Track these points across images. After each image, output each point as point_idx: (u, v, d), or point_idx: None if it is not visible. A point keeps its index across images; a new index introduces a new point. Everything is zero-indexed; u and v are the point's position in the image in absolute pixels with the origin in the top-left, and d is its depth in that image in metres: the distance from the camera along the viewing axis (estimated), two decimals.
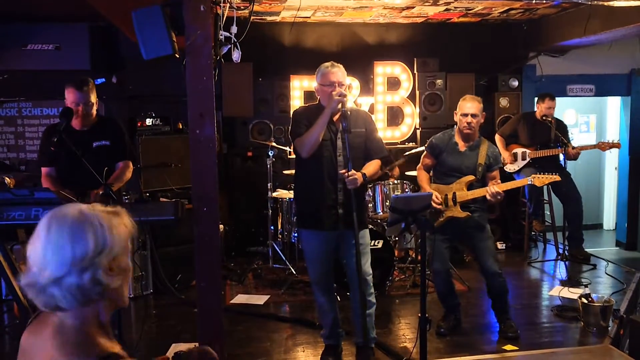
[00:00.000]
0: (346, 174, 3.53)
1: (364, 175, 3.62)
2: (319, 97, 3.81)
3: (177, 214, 3.48)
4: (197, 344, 3.83)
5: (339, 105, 3.56)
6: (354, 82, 6.70)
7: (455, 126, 4.40)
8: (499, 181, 4.27)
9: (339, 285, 4.73)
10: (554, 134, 6.31)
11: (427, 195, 3.32)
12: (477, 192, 4.20)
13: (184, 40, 3.36)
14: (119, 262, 1.52)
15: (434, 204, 4.14)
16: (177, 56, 3.42)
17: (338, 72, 3.68)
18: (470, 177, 4.23)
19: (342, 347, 4.05)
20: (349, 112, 3.60)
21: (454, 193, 4.24)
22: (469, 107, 4.23)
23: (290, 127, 3.81)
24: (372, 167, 3.77)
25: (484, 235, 4.30)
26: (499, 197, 4.10)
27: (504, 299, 4.42)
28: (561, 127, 6.46)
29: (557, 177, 4.26)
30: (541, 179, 4.25)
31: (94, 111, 3.97)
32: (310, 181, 3.75)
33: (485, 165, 4.26)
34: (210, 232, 3.52)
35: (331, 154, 3.66)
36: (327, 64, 3.74)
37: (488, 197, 4.13)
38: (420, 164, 4.53)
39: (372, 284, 3.86)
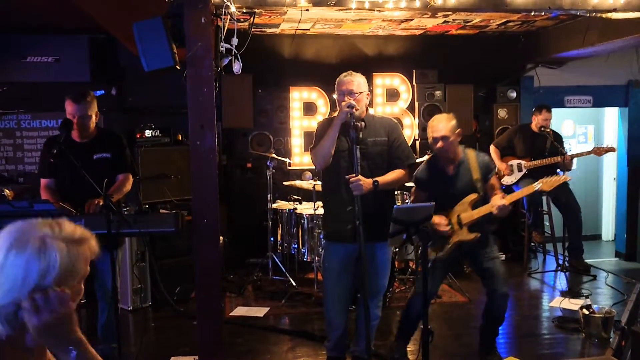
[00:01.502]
0: (350, 178, 3.42)
1: (375, 182, 3.49)
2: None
3: (177, 226, 3.48)
4: (196, 358, 3.81)
5: (348, 116, 3.46)
6: None
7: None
8: (498, 191, 3.95)
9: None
10: (549, 144, 6.33)
11: (429, 206, 3.27)
12: (483, 210, 3.82)
13: (185, 52, 3.38)
14: (71, 290, 1.48)
15: (440, 229, 3.77)
16: (178, 67, 3.44)
17: (351, 81, 3.61)
18: (474, 196, 3.86)
19: (345, 357, 3.98)
20: (361, 123, 3.53)
21: (458, 215, 3.86)
22: (438, 129, 3.81)
23: None
24: (390, 175, 3.62)
25: (491, 253, 3.95)
26: (505, 211, 3.75)
27: (499, 325, 4.09)
28: (557, 138, 6.48)
29: (566, 178, 4.00)
30: (549, 182, 3.92)
31: (92, 124, 3.92)
32: (330, 192, 3.72)
33: (481, 179, 3.91)
34: (209, 243, 3.52)
35: (349, 164, 3.55)
36: (344, 73, 3.68)
37: (495, 212, 3.75)
38: (411, 200, 4.15)
39: (382, 297, 3.84)
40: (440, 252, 3.88)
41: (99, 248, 1.57)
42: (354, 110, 3.48)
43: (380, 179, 3.55)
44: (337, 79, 3.69)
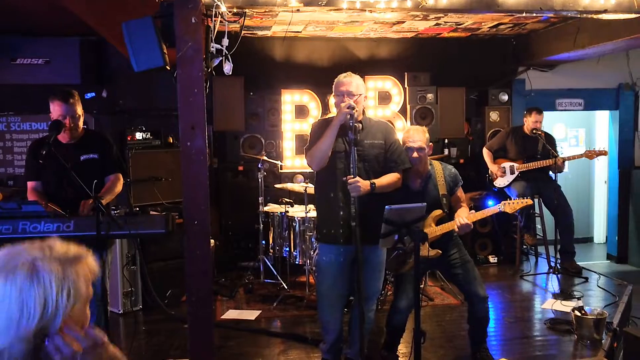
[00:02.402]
0: (349, 179, 3.41)
1: (372, 184, 3.48)
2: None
3: (167, 227, 3.45)
4: None
5: (347, 117, 3.44)
6: None
7: None
8: (464, 204, 3.97)
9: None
10: (541, 146, 6.35)
11: (420, 206, 3.26)
12: (446, 227, 3.83)
13: (175, 52, 3.36)
14: (75, 316, 1.38)
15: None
16: (168, 68, 3.41)
17: (351, 82, 3.60)
18: (438, 212, 3.85)
19: None
20: (358, 125, 3.52)
21: None
22: (415, 139, 3.82)
23: None
24: (386, 178, 3.61)
25: (459, 258, 3.95)
26: (467, 229, 3.77)
27: (486, 327, 4.08)
28: (550, 140, 6.50)
29: (529, 201, 4.00)
30: (512, 205, 3.95)
31: (81, 123, 3.91)
32: (325, 194, 3.68)
33: (447, 194, 3.92)
34: (200, 246, 3.49)
35: (345, 165, 3.55)
36: (343, 74, 3.67)
37: (456, 230, 3.80)
38: None
39: (375, 300, 3.84)
40: (402, 268, 3.86)
41: (97, 266, 1.46)
42: (353, 111, 3.46)
43: (377, 181, 3.54)
44: (336, 80, 3.67)
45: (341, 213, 3.58)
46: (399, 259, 3.79)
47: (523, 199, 4.02)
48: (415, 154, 3.81)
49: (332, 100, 3.87)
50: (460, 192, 4.01)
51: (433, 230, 3.83)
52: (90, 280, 1.42)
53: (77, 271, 1.37)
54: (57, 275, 1.33)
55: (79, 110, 3.84)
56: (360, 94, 3.61)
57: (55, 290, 1.32)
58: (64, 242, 1.42)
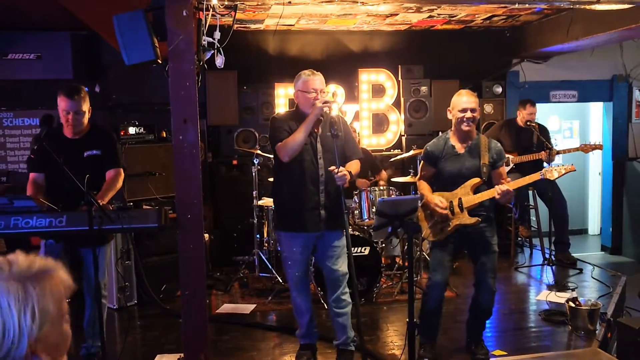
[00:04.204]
0: (336, 170, 3.58)
1: (349, 173, 3.67)
2: (297, 102, 3.90)
3: (160, 222, 3.44)
4: (181, 355, 3.77)
5: (326, 110, 3.63)
6: (338, 90, 6.72)
7: (449, 130, 4.02)
8: (507, 178, 3.95)
9: (325, 291, 4.74)
10: (536, 138, 6.35)
11: (414, 198, 3.27)
12: (485, 195, 3.79)
13: (167, 45, 3.33)
14: (46, 339, 1.23)
15: (438, 210, 3.79)
16: (160, 62, 3.39)
17: (318, 80, 3.79)
18: (476, 180, 3.83)
19: (316, 347, 4.10)
20: (336, 118, 3.67)
21: (460, 198, 3.83)
22: (466, 101, 3.83)
23: (270, 133, 3.89)
24: (354, 166, 3.85)
25: (490, 248, 3.92)
26: (508, 197, 3.72)
27: (486, 319, 4.11)
28: (544, 132, 6.50)
29: (572, 168, 3.94)
30: (555, 171, 3.90)
31: (85, 120, 3.90)
32: (293, 185, 3.79)
33: (489, 165, 3.86)
34: (194, 240, 3.48)
35: (312, 157, 3.75)
36: (307, 71, 3.83)
37: (497, 197, 3.71)
38: (419, 176, 4.15)
39: (346, 284, 3.90)
40: (439, 235, 3.90)
41: (71, 280, 1.31)
42: (330, 105, 3.67)
43: (352, 170, 3.77)
44: (302, 78, 3.81)
45: (312, 203, 3.75)
46: (436, 225, 3.86)
47: (565, 165, 3.98)
48: (469, 114, 3.82)
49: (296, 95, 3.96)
50: (503, 169, 3.97)
51: (472, 198, 3.83)
52: (63, 297, 1.26)
53: (42, 288, 1.22)
54: (16, 296, 1.18)
55: (84, 106, 3.84)
56: (326, 91, 3.85)
57: (17, 313, 1.17)
58: (27, 257, 1.26)
